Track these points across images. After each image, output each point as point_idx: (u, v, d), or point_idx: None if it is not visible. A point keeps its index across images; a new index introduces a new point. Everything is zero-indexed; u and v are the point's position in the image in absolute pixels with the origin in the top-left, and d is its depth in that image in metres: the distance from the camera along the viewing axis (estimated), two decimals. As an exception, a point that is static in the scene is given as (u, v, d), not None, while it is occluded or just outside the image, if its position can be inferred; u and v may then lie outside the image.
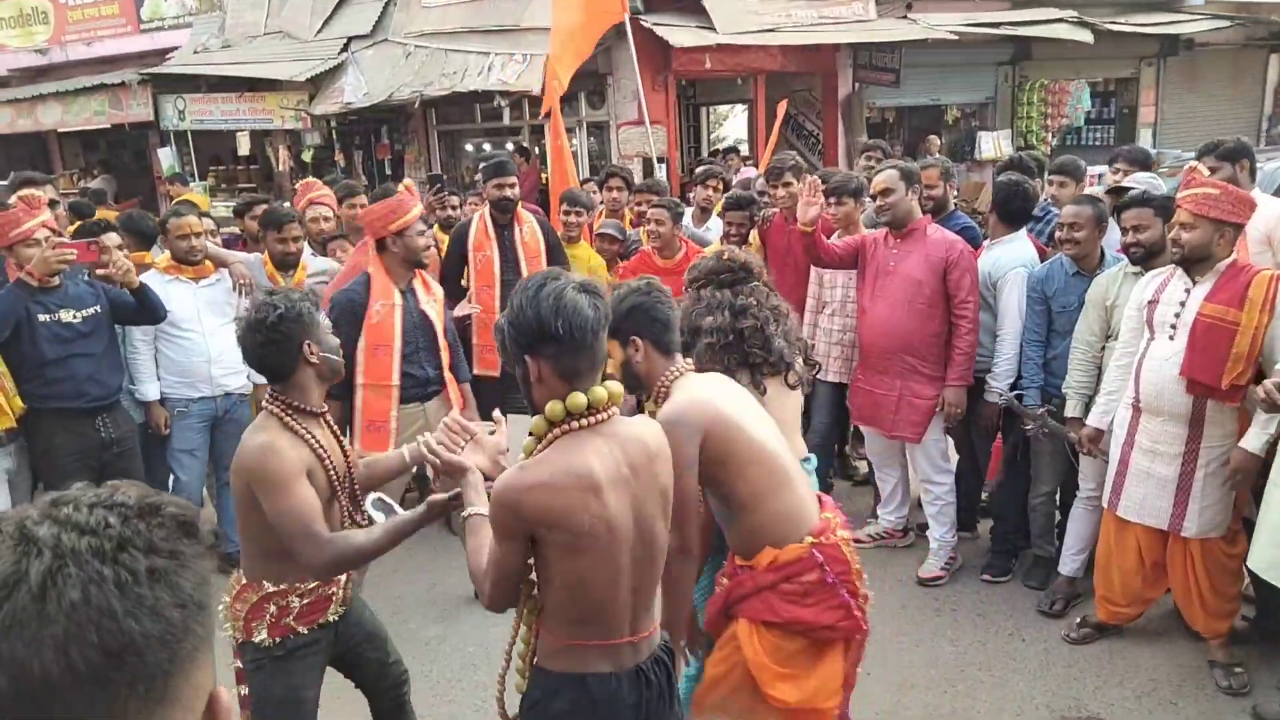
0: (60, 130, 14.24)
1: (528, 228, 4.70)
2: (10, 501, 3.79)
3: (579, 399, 1.86)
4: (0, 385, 3.68)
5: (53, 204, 4.49)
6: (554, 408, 1.88)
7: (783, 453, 2.39)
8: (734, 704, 2.37)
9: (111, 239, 4.03)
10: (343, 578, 2.46)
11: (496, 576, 1.92)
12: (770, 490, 2.33)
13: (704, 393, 2.31)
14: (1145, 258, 3.55)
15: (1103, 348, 3.70)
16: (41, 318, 3.65)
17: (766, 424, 2.42)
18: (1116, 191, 4.35)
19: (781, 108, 8.99)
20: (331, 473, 2.35)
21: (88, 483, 0.82)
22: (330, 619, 2.43)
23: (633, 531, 1.91)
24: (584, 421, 1.88)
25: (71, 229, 4.52)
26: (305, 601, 2.37)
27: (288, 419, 2.29)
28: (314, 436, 2.32)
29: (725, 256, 2.95)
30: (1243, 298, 3.13)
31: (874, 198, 4.15)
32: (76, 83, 13.24)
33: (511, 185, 4.60)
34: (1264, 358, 3.15)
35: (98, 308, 3.83)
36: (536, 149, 12.37)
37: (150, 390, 4.15)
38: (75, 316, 3.75)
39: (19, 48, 15.04)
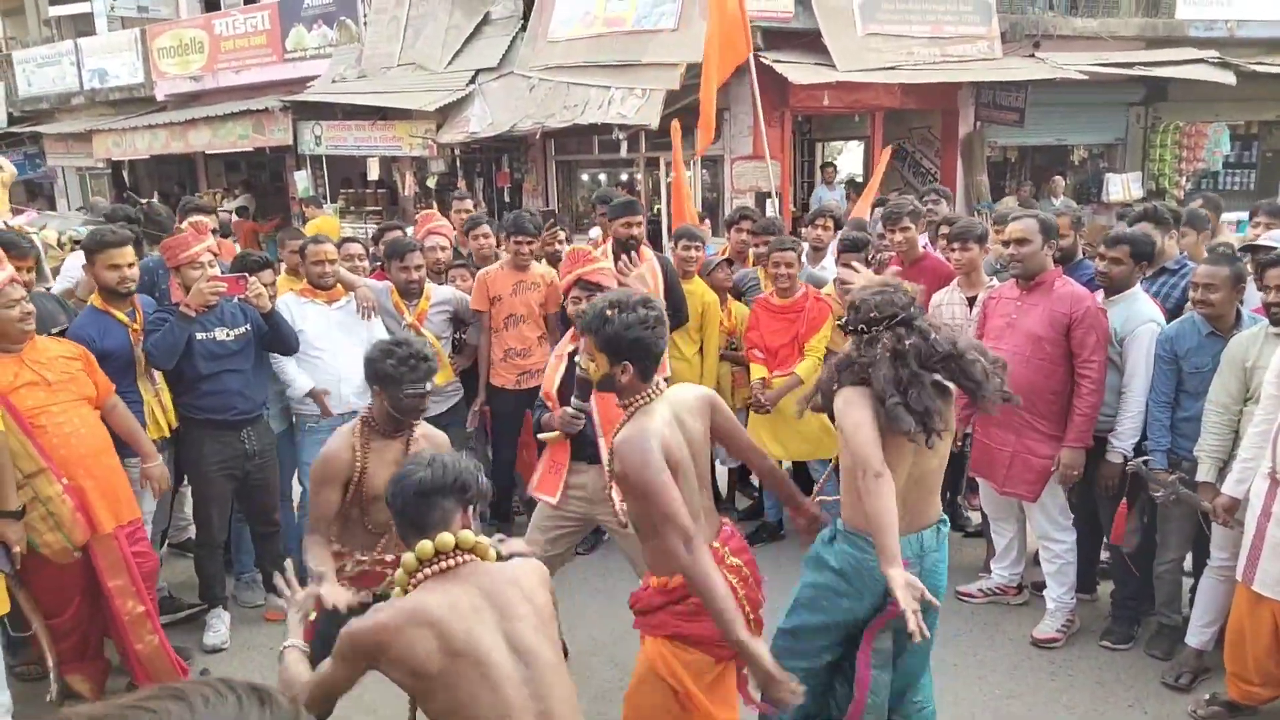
0: (207, 152, 15.23)
1: (647, 265, 4.80)
2: (154, 505, 4.09)
3: (426, 547, 2.09)
4: (158, 398, 3.98)
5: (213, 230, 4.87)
6: (407, 561, 2.12)
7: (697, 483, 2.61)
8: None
9: (266, 276, 4.30)
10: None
11: (322, 692, 2.13)
12: None
13: (657, 423, 2.51)
14: None
15: (1240, 411, 3.54)
16: (198, 336, 3.95)
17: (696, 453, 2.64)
18: (1254, 249, 4.16)
19: (886, 154, 8.93)
20: (352, 487, 2.95)
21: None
22: (381, 591, 2.81)
23: (510, 660, 2.04)
24: (438, 567, 2.09)
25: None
26: (357, 569, 2.99)
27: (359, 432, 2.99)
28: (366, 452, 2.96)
29: (896, 289, 2.78)
30: None
31: (1006, 245, 4.08)
32: (225, 108, 14.17)
33: (639, 224, 4.72)
34: None
35: (248, 326, 4.11)
36: (650, 181, 12.57)
37: (303, 382, 4.37)
38: (228, 335, 4.04)
39: (176, 74, 16.18)
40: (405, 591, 2.12)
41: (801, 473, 5.21)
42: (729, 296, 5.28)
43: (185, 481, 4.49)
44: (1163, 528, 3.88)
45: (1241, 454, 3.45)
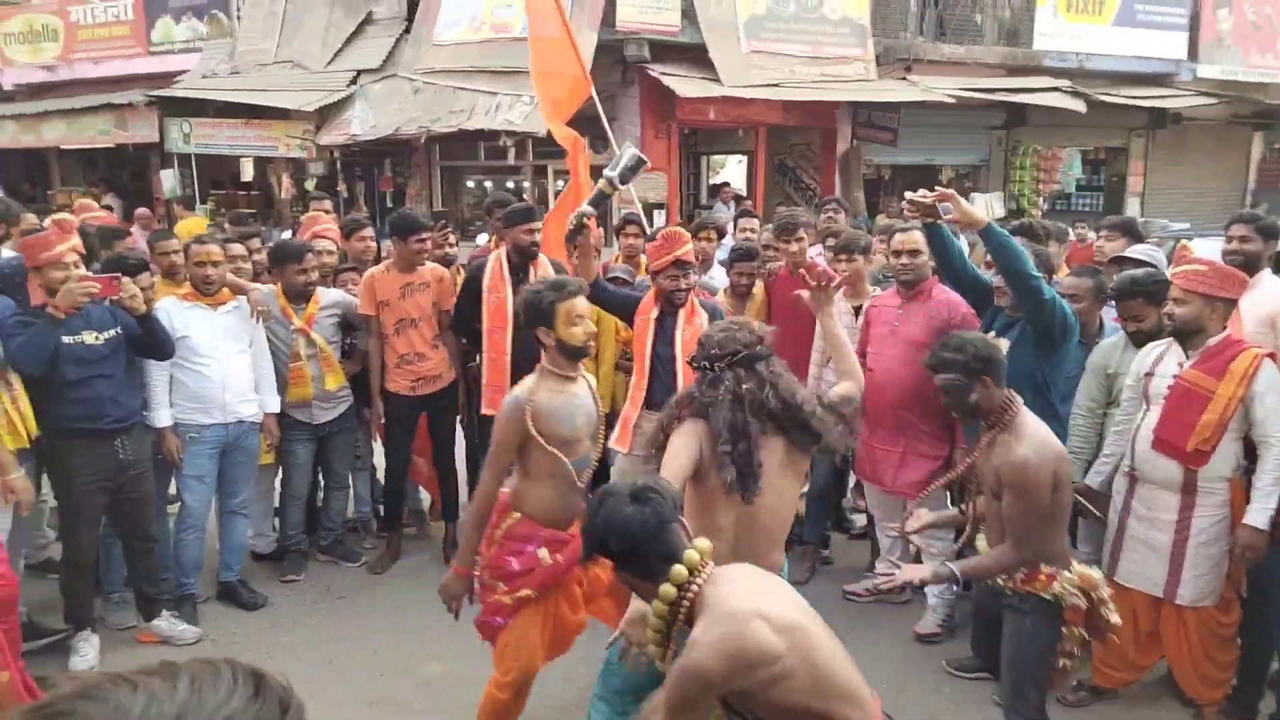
0: (62, 147, 14.29)
1: (542, 271, 4.78)
2: (12, 522, 3.79)
3: (680, 571, 2.06)
4: (16, 406, 3.70)
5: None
6: (666, 591, 2.07)
7: None
8: None
9: (143, 279, 4.06)
10: None
11: None
12: None
13: None
14: (1145, 340, 3.67)
15: (1103, 414, 3.80)
16: (65, 340, 3.68)
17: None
18: (1120, 261, 4.49)
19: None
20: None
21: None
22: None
23: (815, 623, 2.09)
24: (698, 583, 2.07)
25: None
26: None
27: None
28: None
29: (756, 328, 2.74)
30: (1224, 370, 3.25)
31: (898, 255, 4.25)
32: (82, 101, 13.34)
33: (539, 231, 4.69)
34: (1254, 435, 3.26)
35: (117, 329, 3.86)
36: (536, 189, 12.54)
37: (163, 417, 4.16)
38: (97, 339, 3.78)
39: (26, 63, 15.14)
40: (669, 625, 2.10)
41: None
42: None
43: (43, 496, 4.19)
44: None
45: (1104, 450, 3.72)
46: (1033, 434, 2.84)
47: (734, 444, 2.53)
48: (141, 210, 10.58)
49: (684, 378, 4.01)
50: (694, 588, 2.05)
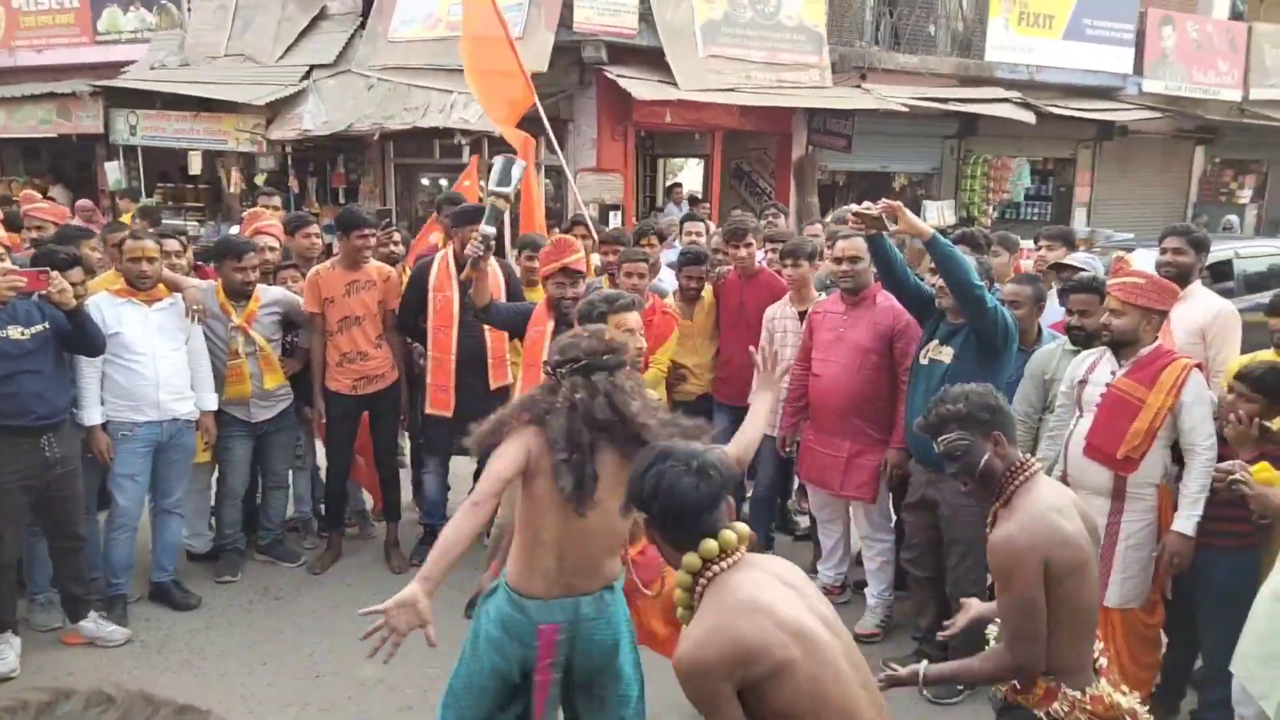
0: (2, 135, 13.88)
1: (490, 271, 4.74)
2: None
3: (711, 547, 1.99)
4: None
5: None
6: (690, 561, 2.01)
7: None
8: None
9: (74, 275, 3.94)
10: None
11: None
12: None
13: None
14: (1086, 340, 3.73)
15: (1039, 419, 3.87)
16: (-10, 334, 3.58)
17: None
18: (1059, 268, 4.58)
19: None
20: None
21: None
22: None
23: (828, 634, 1.97)
24: (722, 565, 2.00)
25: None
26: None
27: None
28: None
29: (607, 336, 2.69)
30: (1155, 379, 3.33)
31: (839, 261, 4.28)
32: (24, 89, 12.98)
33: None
34: (1182, 444, 3.34)
35: (45, 324, 3.76)
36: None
37: (93, 415, 4.05)
38: (23, 334, 3.67)
39: (-35, 49, 14.69)
40: (691, 597, 2.02)
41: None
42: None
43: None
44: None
45: (1037, 456, 3.77)
46: (1029, 508, 2.30)
47: (570, 453, 2.44)
48: (83, 202, 10.29)
49: (525, 387, 3.92)
50: (715, 569, 1.99)
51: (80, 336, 3.84)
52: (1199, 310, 4.04)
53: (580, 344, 2.59)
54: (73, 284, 3.87)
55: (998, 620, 2.45)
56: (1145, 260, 4.84)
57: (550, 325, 4.09)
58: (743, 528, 2.06)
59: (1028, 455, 2.43)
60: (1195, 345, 3.96)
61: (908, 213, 3.58)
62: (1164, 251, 4.15)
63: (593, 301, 3.16)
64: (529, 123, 6.45)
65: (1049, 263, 4.92)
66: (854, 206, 3.66)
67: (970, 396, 2.41)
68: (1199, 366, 3.39)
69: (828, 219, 7.15)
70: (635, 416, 2.47)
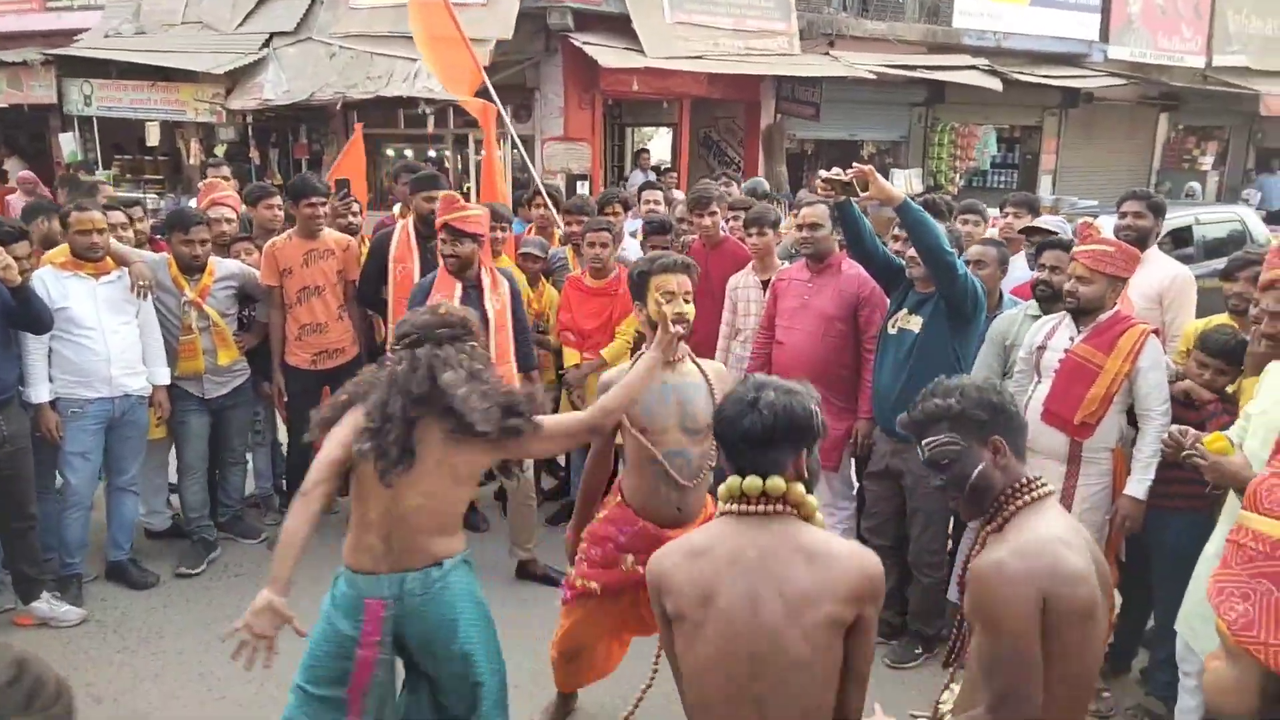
0: (-50, 107, 13.50)
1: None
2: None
3: (733, 483, 1.95)
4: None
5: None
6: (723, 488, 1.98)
7: None
8: None
9: (19, 249, 3.84)
10: None
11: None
12: None
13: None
14: (1052, 298, 3.71)
15: (999, 386, 3.88)
16: (-71, 310, 3.49)
17: None
18: (1030, 231, 4.57)
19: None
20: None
21: None
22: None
23: (749, 628, 1.83)
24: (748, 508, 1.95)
25: None
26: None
27: None
28: None
29: (443, 311, 2.63)
30: (1113, 345, 3.34)
31: (800, 228, 4.26)
32: (-28, 58, 12.60)
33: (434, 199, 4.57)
34: (1137, 409, 3.37)
35: None
36: (459, 159, 12.30)
37: (40, 392, 3.96)
38: (-35, 310, 3.58)
39: (-92, 16, 14.22)
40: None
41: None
42: (542, 278, 5.25)
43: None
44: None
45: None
46: (1028, 532, 1.82)
47: (379, 424, 2.40)
48: (25, 174, 10.02)
49: (496, 351, 4.01)
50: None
51: (26, 314, 3.74)
52: (1156, 275, 4.07)
53: (415, 319, 2.56)
54: (17, 258, 3.78)
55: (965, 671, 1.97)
56: (1111, 226, 4.87)
57: (458, 291, 4.05)
58: (798, 490, 1.93)
59: (1038, 476, 1.94)
60: (1152, 310, 3.99)
61: (879, 177, 3.55)
62: (1123, 215, 4.18)
63: (638, 263, 3.13)
64: (507, 90, 6.37)
65: (1015, 230, 4.92)
66: (823, 172, 3.63)
67: (967, 391, 1.94)
68: (1156, 332, 3.42)
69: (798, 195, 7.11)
70: (448, 388, 2.39)
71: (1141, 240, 4.06)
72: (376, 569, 2.47)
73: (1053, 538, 1.79)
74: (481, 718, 2.58)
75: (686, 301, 2.94)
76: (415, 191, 4.62)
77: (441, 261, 4.09)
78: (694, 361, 3.01)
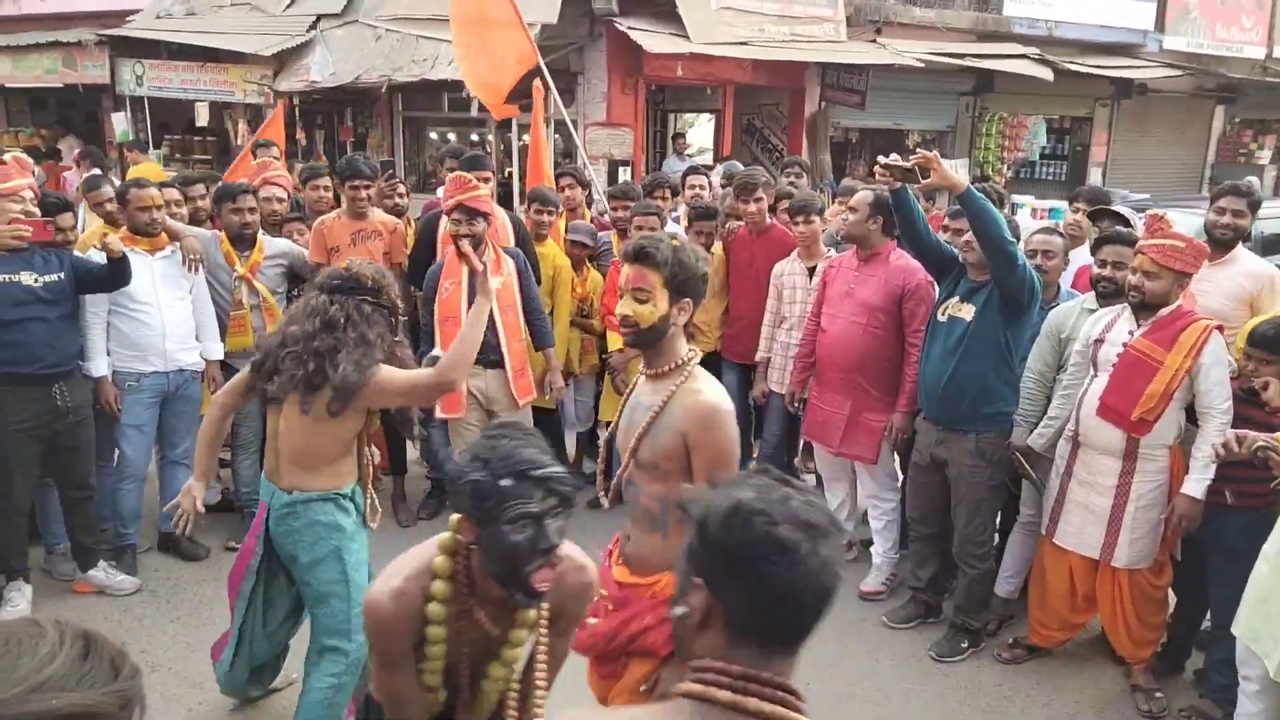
0: (7, 85, 13.78)
1: (498, 222, 4.70)
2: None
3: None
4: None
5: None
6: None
7: None
8: None
9: (65, 219, 3.96)
10: None
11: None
12: None
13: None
14: (1115, 294, 3.63)
15: (1054, 378, 3.82)
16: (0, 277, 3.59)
17: None
18: (1099, 215, 4.45)
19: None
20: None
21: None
22: None
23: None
24: None
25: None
26: None
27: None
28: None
29: (352, 270, 2.85)
30: (1174, 340, 3.27)
31: (851, 210, 4.24)
32: (29, 37, 12.84)
33: (485, 179, 4.60)
34: (1197, 406, 3.30)
35: (60, 274, 3.78)
36: (502, 144, 12.33)
37: (99, 365, 4.05)
38: (36, 280, 3.69)
39: (-33, -3, 14.52)
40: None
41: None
42: (587, 264, 5.26)
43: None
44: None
45: (1049, 413, 3.74)
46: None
47: (277, 344, 2.79)
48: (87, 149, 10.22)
49: (505, 329, 4.19)
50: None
51: (115, 274, 3.89)
52: (1244, 274, 3.90)
53: (333, 272, 2.88)
54: (62, 229, 3.89)
55: None
56: (1181, 221, 4.71)
57: (465, 275, 4.06)
58: None
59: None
60: (1241, 311, 3.80)
61: (943, 165, 3.49)
62: (1220, 211, 3.96)
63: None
64: (551, 74, 6.33)
65: (1083, 226, 4.74)
66: (882, 158, 3.57)
67: None
68: (1219, 329, 3.33)
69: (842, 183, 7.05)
70: (294, 340, 2.73)
71: (1237, 239, 3.95)
72: (268, 477, 2.91)
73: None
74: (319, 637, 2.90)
75: (640, 300, 2.27)
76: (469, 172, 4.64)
77: (454, 244, 4.04)
78: (677, 385, 2.29)
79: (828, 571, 1.21)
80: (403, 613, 1.84)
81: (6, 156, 3.89)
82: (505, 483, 1.72)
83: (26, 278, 3.67)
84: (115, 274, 3.88)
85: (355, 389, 2.69)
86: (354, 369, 2.68)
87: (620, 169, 11.23)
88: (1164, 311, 3.33)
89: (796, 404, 4.57)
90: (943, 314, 3.83)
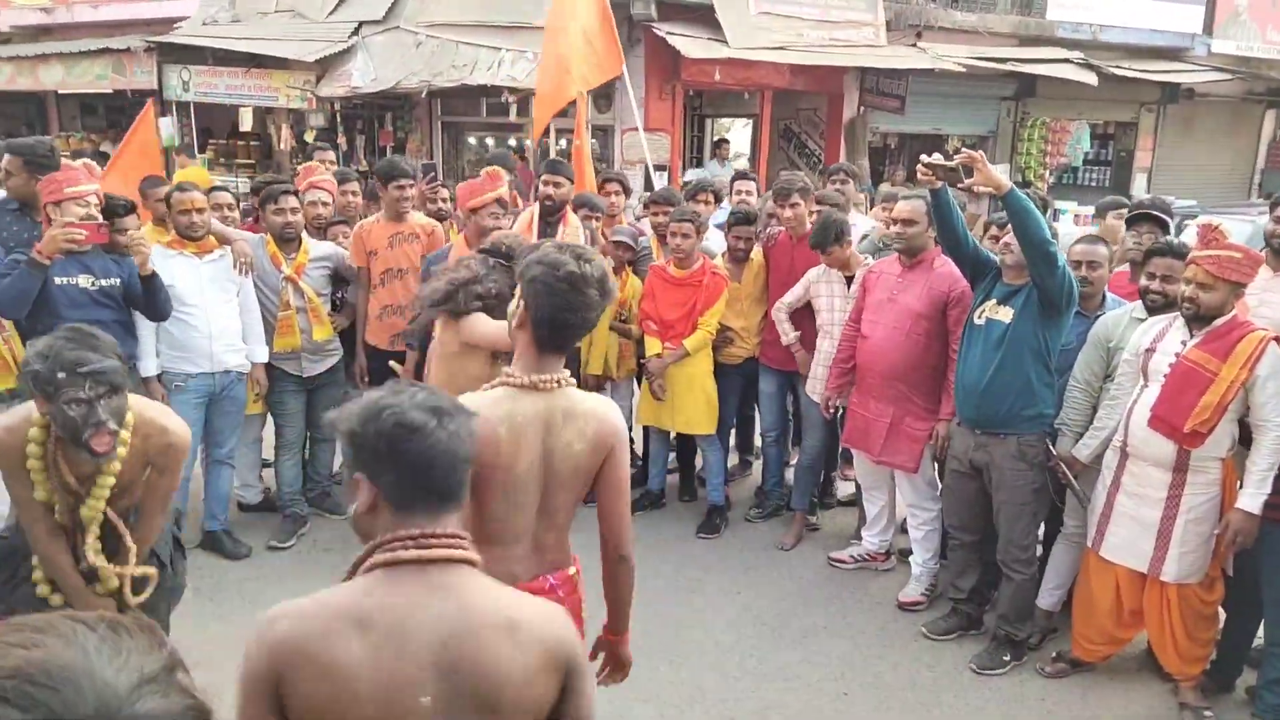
0: (60, 91, 14.12)
1: (571, 229, 4.76)
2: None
3: None
4: (9, 345, 3.67)
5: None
6: None
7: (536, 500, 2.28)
8: None
9: (129, 222, 4.03)
10: None
11: None
12: None
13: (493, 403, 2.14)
14: (1164, 307, 3.55)
15: (1100, 388, 3.75)
16: (58, 280, 3.68)
17: None
18: (1138, 219, 4.35)
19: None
20: None
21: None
22: None
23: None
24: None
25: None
26: None
27: None
28: None
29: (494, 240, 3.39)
30: (1229, 351, 3.19)
31: (894, 223, 4.19)
32: (81, 44, 13.15)
33: (558, 184, 4.71)
34: (1252, 419, 3.22)
35: (118, 280, 3.86)
36: (540, 147, 12.39)
37: (149, 366, 4.13)
38: (92, 284, 3.77)
39: (23, 4, 14.90)
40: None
41: (687, 445, 5.31)
42: (626, 268, 5.26)
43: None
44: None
45: (1096, 423, 3.67)
46: None
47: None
48: (90, 162, 10.49)
49: None
50: None
51: (151, 300, 3.92)
52: None
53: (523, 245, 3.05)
54: (125, 230, 3.96)
55: None
56: (1235, 230, 4.58)
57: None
58: None
59: None
60: None
61: (987, 164, 3.46)
62: None
63: None
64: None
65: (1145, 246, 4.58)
66: (925, 157, 3.54)
67: None
68: (1277, 339, 3.25)
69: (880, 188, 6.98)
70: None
71: None
72: None
73: None
74: None
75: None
76: (538, 176, 4.75)
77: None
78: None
79: (457, 440, 1.47)
80: (12, 444, 2.46)
81: (78, 162, 3.98)
82: (61, 375, 2.31)
83: (84, 280, 3.76)
84: (150, 300, 3.92)
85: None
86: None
87: (657, 174, 11.24)
88: (1218, 322, 3.25)
89: (833, 409, 4.53)
90: (980, 317, 3.78)
